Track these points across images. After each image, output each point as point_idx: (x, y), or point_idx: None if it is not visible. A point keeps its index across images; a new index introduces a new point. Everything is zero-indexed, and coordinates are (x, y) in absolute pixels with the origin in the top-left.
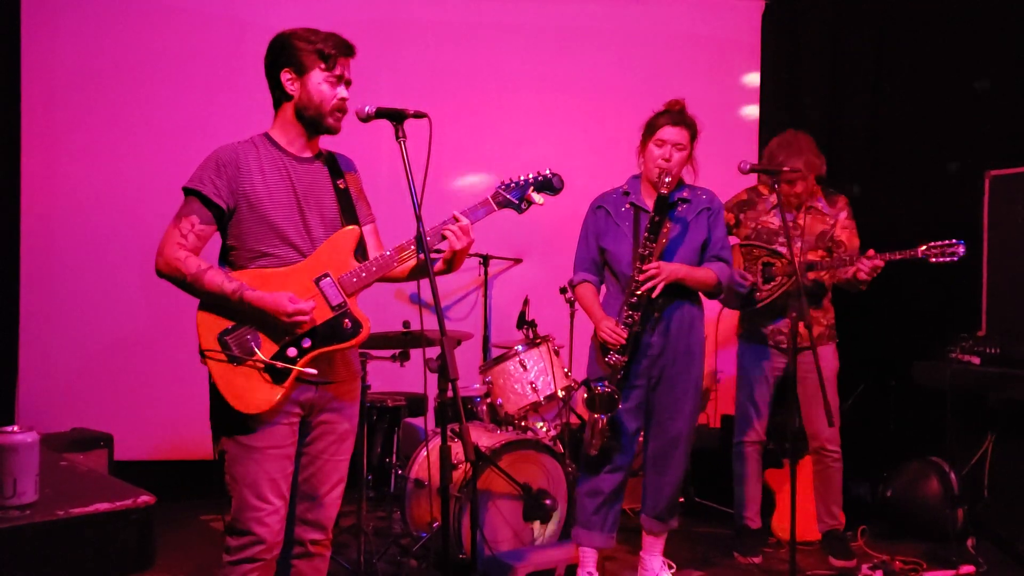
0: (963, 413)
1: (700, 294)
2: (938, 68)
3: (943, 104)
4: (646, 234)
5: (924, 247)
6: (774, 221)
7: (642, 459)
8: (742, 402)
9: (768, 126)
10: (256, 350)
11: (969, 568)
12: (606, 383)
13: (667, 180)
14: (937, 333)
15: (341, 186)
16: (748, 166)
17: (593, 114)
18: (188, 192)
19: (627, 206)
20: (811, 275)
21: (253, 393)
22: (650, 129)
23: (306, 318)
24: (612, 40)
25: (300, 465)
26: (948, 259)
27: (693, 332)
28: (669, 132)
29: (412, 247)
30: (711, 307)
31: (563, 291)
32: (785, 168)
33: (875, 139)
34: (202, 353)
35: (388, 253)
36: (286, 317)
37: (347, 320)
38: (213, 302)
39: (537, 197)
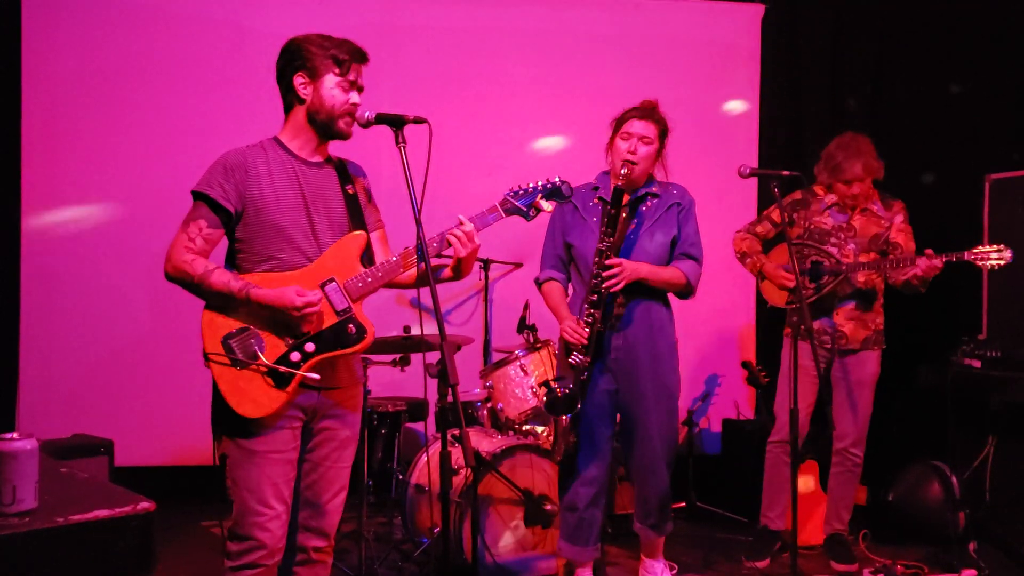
0: (964, 416)
1: (669, 295)
2: (937, 72)
3: (943, 108)
4: (603, 228)
5: (973, 251)
6: (827, 221)
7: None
8: (781, 401)
9: (767, 130)
10: (260, 354)
11: (971, 572)
12: (568, 383)
13: (623, 172)
14: (939, 336)
15: (350, 191)
16: (748, 170)
17: (593, 118)
18: (196, 196)
19: (595, 201)
20: (862, 276)
21: (256, 397)
22: (617, 123)
23: (316, 309)
24: (612, 44)
25: (302, 471)
26: (995, 264)
27: (661, 334)
28: (635, 125)
29: (414, 254)
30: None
31: None
32: (785, 172)
33: (875, 142)
34: (205, 356)
35: (394, 259)
36: (295, 311)
37: (351, 325)
38: (220, 303)
39: (546, 204)
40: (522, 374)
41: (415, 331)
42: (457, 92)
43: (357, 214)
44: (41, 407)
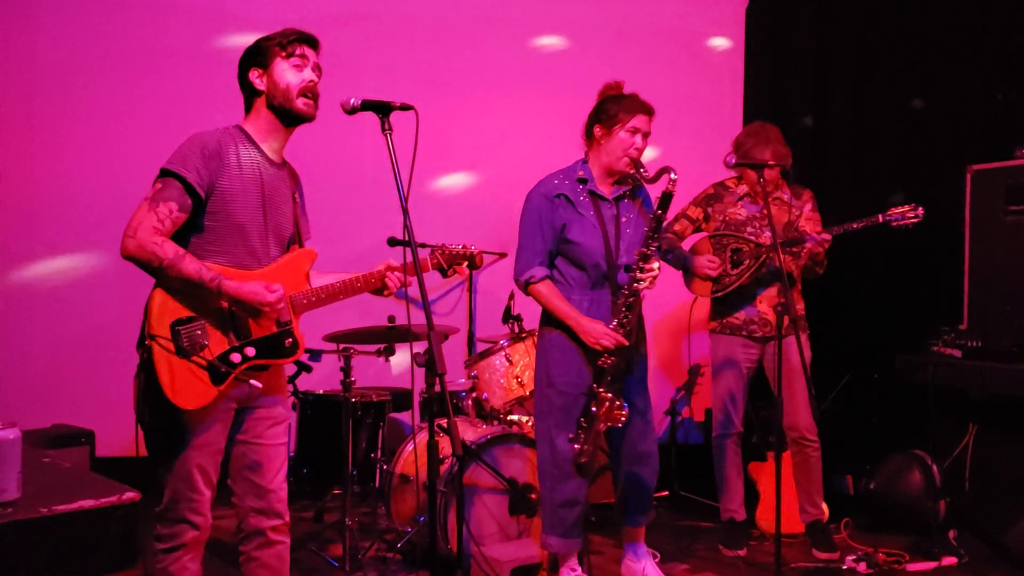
0: (945, 406)
1: None
2: (922, 62)
3: (926, 98)
4: (649, 232)
5: (884, 214)
6: (741, 212)
7: (613, 458)
8: (719, 395)
9: (751, 121)
10: (207, 345)
11: (951, 560)
12: (618, 400)
13: (673, 177)
14: (920, 326)
15: (296, 199)
16: (733, 159)
17: (577, 107)
18: (168, 174)
19: (586, 196)
20: (776, 263)
21: (191, 388)
22: (621, 115)
23: (286, 306)
24: (596, 33)
25: (238, 454)
26: (909, 222)
27: (642, 327)
28: (643, 121)
29: (359, 284)
30: (686, 297)
31: None
32: (771, 161)
33: (859, 132)
34: (151, 336)
35: (339, 283)
36: (266, 306)
37: (289, 339)
38: (181, 288)
39: (465, 270)
40: (507, 364)
41: (400, 321)
42: (438, 82)
43: (297, 223)
44: (19, 397)
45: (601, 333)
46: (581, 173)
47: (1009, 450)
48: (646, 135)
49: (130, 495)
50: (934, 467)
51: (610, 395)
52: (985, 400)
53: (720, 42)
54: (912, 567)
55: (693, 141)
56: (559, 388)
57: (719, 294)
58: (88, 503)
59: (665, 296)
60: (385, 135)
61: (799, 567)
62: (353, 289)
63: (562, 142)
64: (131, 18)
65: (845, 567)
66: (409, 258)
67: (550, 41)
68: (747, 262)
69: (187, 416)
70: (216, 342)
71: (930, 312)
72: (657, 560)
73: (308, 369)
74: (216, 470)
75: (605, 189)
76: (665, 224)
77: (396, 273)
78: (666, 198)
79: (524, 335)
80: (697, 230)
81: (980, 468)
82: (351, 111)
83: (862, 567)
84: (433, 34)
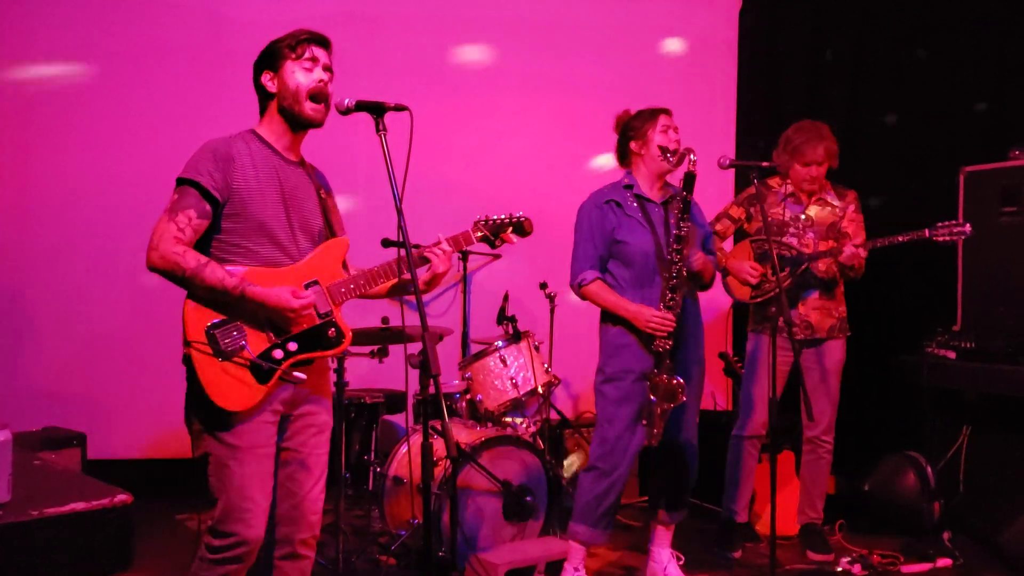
0: (939, 407)
1: None
2: (914, 66)
3: (920, 101)
4: (680, 214)
5: (930, 229)
6: (784, 213)
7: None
8: (748, 394)
9: (745, 123)
10: (245, 346)
11: (946, 561)
12: (674, 376)
13: (693, 158)
14: (915, 327)
15: (323, 195)
16: (728, 160)
17: (572, 108)
18: (183, 183)
19: (633, 199)
20: (823, 265)
21: (237, 390)
22: (644, 124)
23: (310, 312)
24: (591, 34)
25: (280, 462)
26: (956, 238)
27: (698, 320)
28: (667, 119)
29: (395, 266)
30: (722, 299)
31: (543, 287)
32: (764, 163)
33: (853, 135)
34: (188, 343)
35: (377, 268)
36: (291, 312)
37: (332, 329)
38: (208, 296)
39: (513, 237)
40: (501, 365)
41: (394, 322)
42: (435, 83)
43: (329, 221)
44: (9, 398)
45: (650, 315)
46: (627, 181)
47: (1003, 451)
48: (676, 129)
49: (123, 497)
50: (928, 468)
51: (664, 375)
52: (979, 401)
53: (714, 44)
54: (907, 568)
55: (686, 140)
56: (612, 381)
57: (759, 300)
58: (80, 506)
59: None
60: (379, 136)
61: (794, 569)
62: (392, 271)
63: (557, 143)
64: (127, 20)
65: (840, 569)
66: (406, 256)
67: (546, 44)
68: (788, 269)
69: (235, 419)
70: (256, 341)
71: (925, 313)
72: (681, 563)
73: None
74: (269, 478)
75: (653, 194)
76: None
77: (444, 247)
78: (690, 179)
79: (519, 336)
80: (740, 230)
81: (974, 469)
82: (345, 112)
83: (857, 569)
84: (431, 36)
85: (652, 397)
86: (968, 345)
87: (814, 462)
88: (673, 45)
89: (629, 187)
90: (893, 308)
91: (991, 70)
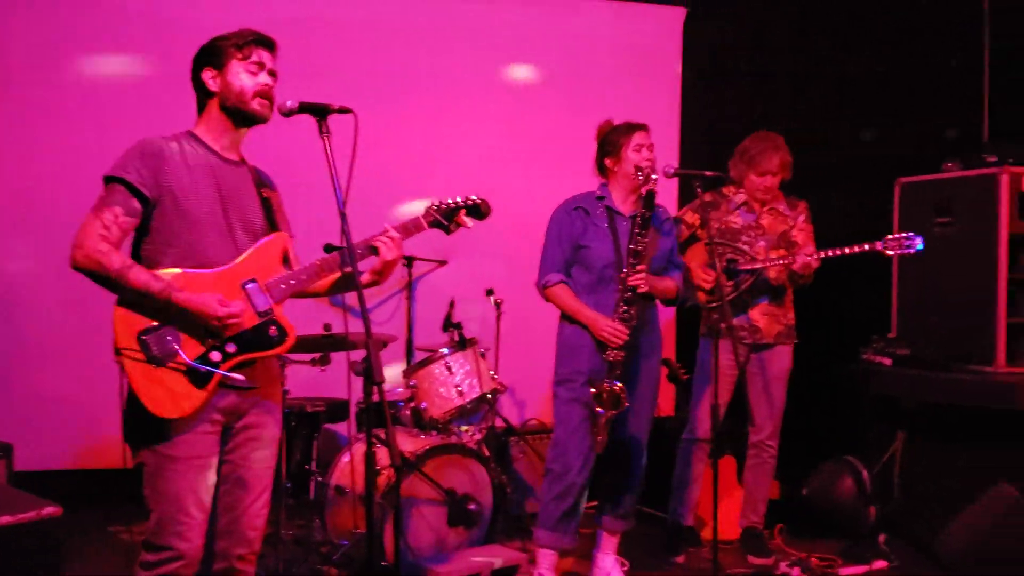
0: (876, 413)
1: None
2: (854, 79)
3: (859, 114)
4: (637, 230)
5: (881, 241)
6: (737, 221)
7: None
8: (699, 399)
9: (689, 132)
10: (178, 351)
11: (882, 564)
12: (615, 382)
13: (653, 177)
14: (855, 335)
15: (265, 195)
16: (672, 169)
17: (520, 115)
18: (111, 180)
19: (602, 209)
20: (773, 273)
21: (172, 397)
22: (620, 139)
23: (237, 320)
24: (538, 43)
25: (222, 475)
26: (906, 251)
27: (655, 330)
28: (643, 136)
29: (338, 259)
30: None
31: (489, 293)
32: (708, 172)
33: (795, 146)
34: (118, 351)
35: (318, 262)
36: (216, 321)
37: (273, 327)
38: (134, 300)
39: (468, 221)
40: (447, 373)
41: (336, 329)
42: (383, 88)
43: (272, 219)
44: None
45: (606, 324)
46: (600, 193)
47: (937, 457)
48: (650, 147)
49: (50, 510)
50: (865, 473)
51: (607, 382)
52: (914, 407)
53: (658, 53)
54: (844, 571)
55: None
56: (565, 382)
57: (713, 306)
58: (5, 519)
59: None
60: (323, 139)
61: (735, 573)
62: (335, 265)
63: (506, 150)
64: (72, 19)
65: (779, 572)
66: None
67: (492, 47)
68: (744, 275)
69: (171, 429)
70: (191, 345)
71: (865, 321)
72: (626, 569)
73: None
74: (209, 492)
75: (624, 208)
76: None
77: (391, 234)
78: (650, 197)
79: (464, 343)
80: (693, 236)
81: (910, 474)
82: (287, 113)
83: (796, 572)
84: (380, 40)
85: (598, 408)
86: (903, 352)
87: (758, 467)
88: (619, 54)
89: (601, 199)
90: (835, 316)
91: (926, 84)
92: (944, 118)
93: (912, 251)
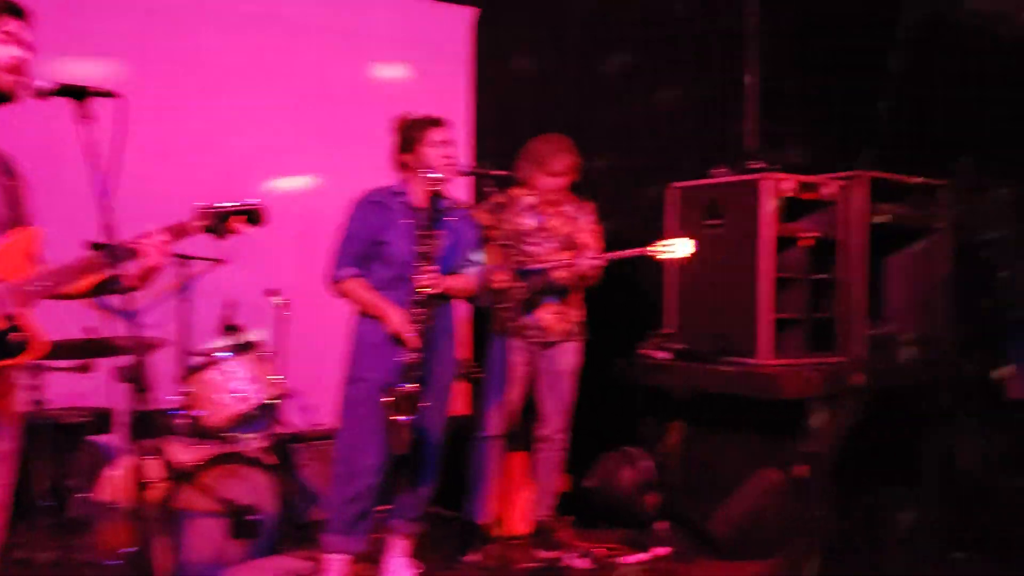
0: (654, 404)
1: None
2: (633, 83)
3: (636, 118)
4: (423, 232)
5: (651, 246)
6: (526, 222)
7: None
8: (491, 396)
9: (481, 131)
10: None
11: (662, 550)
12: (410, 384)
13: (438, 176)
14: (631, 331)
15: (7, 183)
16: (466, 168)
17: (306, 113)
18: None
19: (400, 204)
20: (561, 273)
21: None
22: (417, 134)
23: None
24: (328, 39)
25: None
26: (676, 256)
27: (449, 330)
28: (441, 132)
29: (101, 258)
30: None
31: (272, 293)
32: (501, 172)
33: (581, 150)
34: None
35: (74, 261)
36: None
37: (17, 333)
38: None
39: (241, 226)
40: (225, 378)
41: (100, 332)
42: (156, 73)
43: (18, 209)
44: None
45: (396, 317)
46: (398, 188)
47: (710, 446)
48: (450, 143)
49: None
50: (645, 463)
51: (404, 387)
52: (689, 398)
53: (451, 54)
54: (626, 560)
55: None
56: (356, 381)
57: (504, 305)
58: None
59: None
60: (82, 125)
61: (524, 568)
62: (94, 266)
63: (288, 147)
64: None
65: (566, 564)
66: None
67: (274, 37)
68: (531, 276)
69: None
70: None
71: (641, 317)
72: (419, 572)
73: None
74: None
75: (422, 203)
76: None
77: (157, 238)
78: (436, 197)
79: (244, 347)
80: (486, 237)
81: (686, 463)
82: (42, 95)
83: (582, 563)
84: (147, 21)
85: (395, 415)
86: (678, 346)
87: (547, 460)
88: (411, 53)
89: (400, 194)
90: (613, 312)
91: (698, 91)
92: (715, 125)
93: (681, 255)
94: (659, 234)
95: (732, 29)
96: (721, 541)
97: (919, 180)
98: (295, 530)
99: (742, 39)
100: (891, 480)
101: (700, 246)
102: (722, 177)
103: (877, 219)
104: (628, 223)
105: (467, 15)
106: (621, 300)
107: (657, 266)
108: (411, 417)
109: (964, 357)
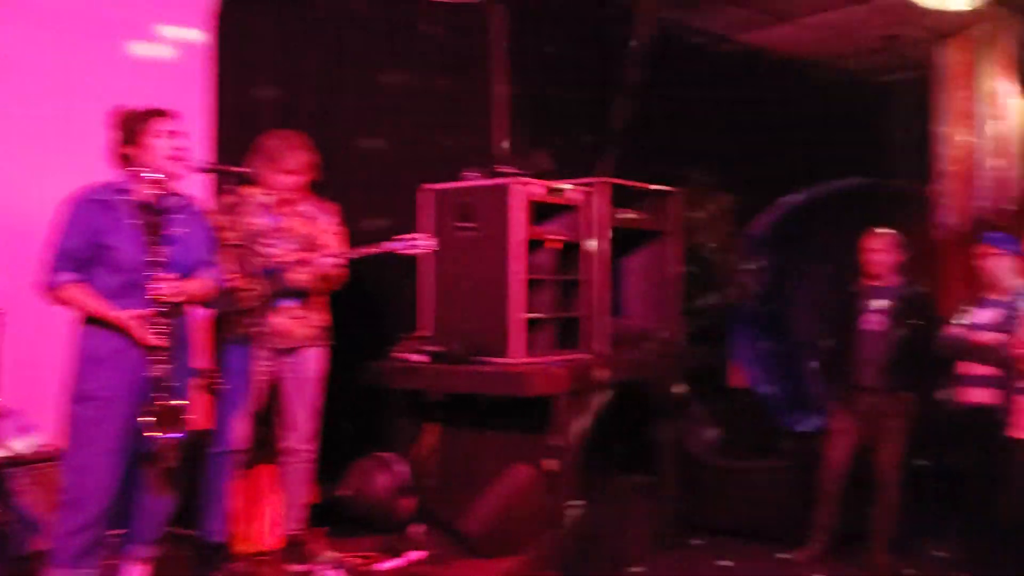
0: (408, 408)
1: None
2: (381, 89)
3: (387, 122)
4: (152, 233)
5: (390, 241)
6: (261, 222)
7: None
8: (228, 408)
9: (225, 128)
10: None
11: (418, 554)
12: (172, 398)
13: (159, 176)
14: (384, 333)
15: None
16: (203, 165)
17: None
18: None
19: (124, 202)
20: (301, 275)
21: None
22: (139, 126)
23: None
24: (47, 20)
25: None
26: (419, 251)
27: (185, 343)
28: (166, 122)
29: None
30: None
31: None
32: (239, 168)
33: (327, 150)
34: None
35: None
36: None
37: None
38: None
39: None
40: None
41: None
42: None
43: None
44: None
45: (138, 323)
46: (121, 184)
47: (465, 446)
48: (177, 133)
49: None
50: (400, 467)
51: (164, 400)
52: (443, 399)
53: (188, 44)
54: (381, 567)
55: None
56: (86, 400)
57: (240, 310)
58: None
59: None
60: None
61: None
62: None
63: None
64: None
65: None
66: None
67: None
68: (265, 279)
69: None
70: None
71: (395, 319)
72: None
73: None
74: None
75: (149, 198)
76: None
77: None
78: (160, 198)
79: None
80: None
81: (443, 465)
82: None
83: (335, 574)
84: None
85: (158, 431)
86: (432, 348)
87: (293, 473)
88: (148, 44)
89: (123, 191)
90: (366, 315)
91: (451, 97)
92: (467, 130)
93: (425, 251)
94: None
95: (482, 39)
96: (474, 540)
97: (653, 187)
98: (12, 563)
99: (491, 49)
100: (633, 468)
101: (453, 249)
102: (473, 181)
103: (615, 223)
104: (381, 227)
105: (206, 4)
106: (374, 303)
107: (411, 269)
108: (177, 435)
109: (693, 350)
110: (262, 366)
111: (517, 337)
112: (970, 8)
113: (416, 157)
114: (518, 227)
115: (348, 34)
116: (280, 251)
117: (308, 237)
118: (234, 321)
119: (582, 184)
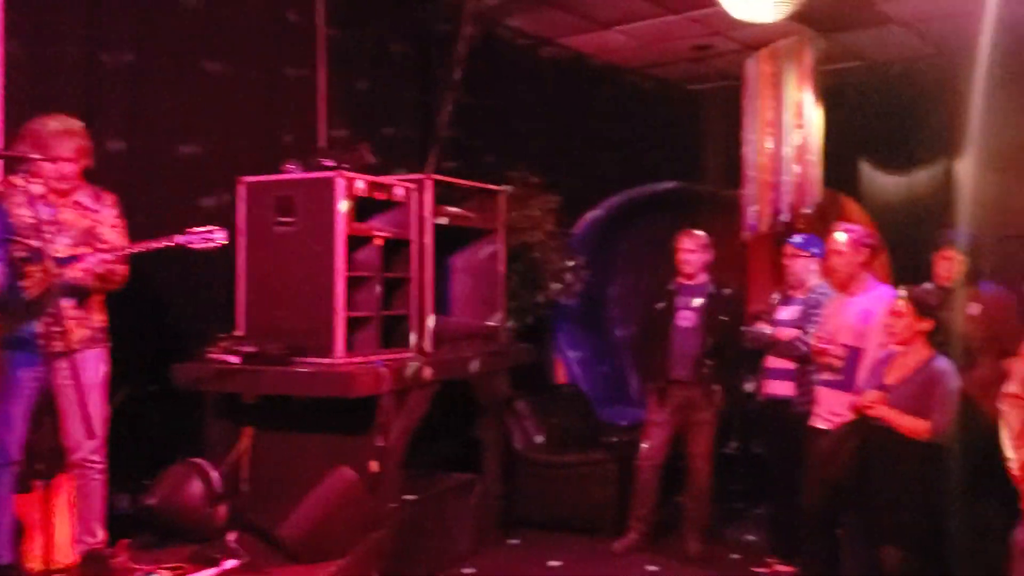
0: (223, 411)
1: None
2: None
3: (203, 115)
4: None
5: (181, 235)
6: (32, 213)
7: None
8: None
9: (14, 108)
10: None
11: (232, 562)
12: None
13: None
14: (198, 334)
15: None
16: None
17: None
18: None
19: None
20: (77, 272)
21: None
22: None
23: None
24: None
25: None
26: (208, 245)
27: None
28: None
29: None
30: None
31: None
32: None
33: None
34: None
35: None
36: None
37: None
38: None
39: None
40: None
41: None
42: None
43: None
44: None
45: None
46: None
47: (285, 449)
48: None
49: None
50: (213, 473)
51: None
52: (259, 401)
53: None
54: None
55: None
56: None
57: (6, 310)
58: None
59: None
60: None
61: None
62: None
63: None
64: None
65: None
66: None
67: None
68: (37, 276)
69: None
70: None
71: (209, 319)
72: None
73: None
74: None
75: None
76: None
77: None
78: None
79: None
80: None
81: (257, 468)
82: None
83: None
84: None
85: None
86: (248, 349)
87: (85, 486)
88: None
89: None
90: (178, 315)
91: (271, 90)
92: (286, 122)
93: (216, 245)
94: (233, 232)
95: (305, 30)
96: (291, 546)
97: (479, 185)
98: None
99: (314, 39)
100: (458, 466)
101: (272, 244)
102: (295, 174)
103: (441, 220)
104: (198, 220)
105: None
106: (191, 301)
107: (230, 266)
108: None
109: (518, 347)
110: (32, 372)
111: (340, 336)
112: (776, 21)
113: (234, 149)
114: (342, 222)
115: (164, 20)
116: (56, 246)
117: (88, 231)
118: (4, 323)
119: (407, 180)
